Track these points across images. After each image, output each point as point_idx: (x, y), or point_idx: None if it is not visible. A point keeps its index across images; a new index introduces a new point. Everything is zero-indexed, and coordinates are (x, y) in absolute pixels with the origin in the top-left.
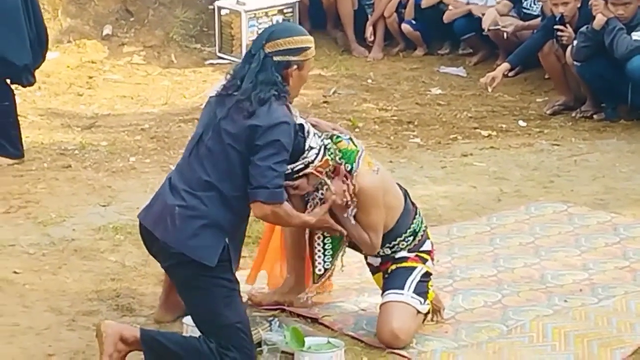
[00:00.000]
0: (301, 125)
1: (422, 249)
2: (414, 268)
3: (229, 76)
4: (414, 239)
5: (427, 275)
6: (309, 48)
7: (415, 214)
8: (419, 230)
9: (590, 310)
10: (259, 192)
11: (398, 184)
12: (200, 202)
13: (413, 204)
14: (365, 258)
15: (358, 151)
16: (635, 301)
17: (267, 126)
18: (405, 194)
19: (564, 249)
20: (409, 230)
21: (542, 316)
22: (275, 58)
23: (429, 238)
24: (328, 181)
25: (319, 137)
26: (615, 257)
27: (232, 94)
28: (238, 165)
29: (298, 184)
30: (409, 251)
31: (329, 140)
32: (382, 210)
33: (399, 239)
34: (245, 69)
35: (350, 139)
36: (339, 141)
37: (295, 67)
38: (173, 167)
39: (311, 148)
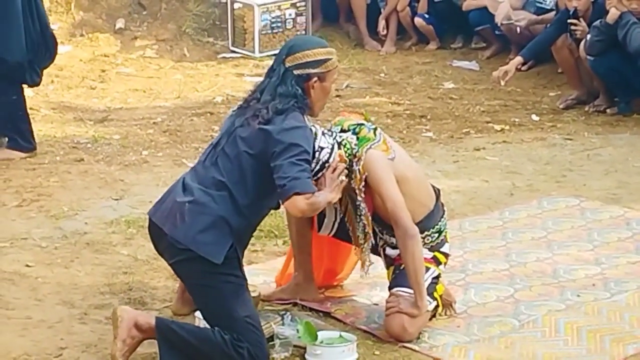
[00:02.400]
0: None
1: (441, 249)
2: (427, 269)
3: (250, 91)
4: (437, 237)
5: (437, 277)
6: (330, 59)
7: (443, 214)
8: (443, 230)
9: (603, 305)
10: (291, 184)
11: (432, 185)
12: (212, 199)
13: (442, 204)
14: (383, 250)
15: (374, 140)
16: None
17: (280, 131)
18: (438, 193)
19: (577, 244)
20: (435, 227)
21: (554, 311)
22: (296, 72)
23: (448, 242)
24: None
25: (330, 135)
26: (627, 252)
27: (251, 105)
28: (250, 171)
29: (319, 185)
30: (430, 249)
31: (347, 133)
32: (393, 183)
33: (425, 233)
34: (265, 83)
35: (375, 129)
36: (361, 129)
37: (315, 79)
38: (185, 161)
39: (322, 148)
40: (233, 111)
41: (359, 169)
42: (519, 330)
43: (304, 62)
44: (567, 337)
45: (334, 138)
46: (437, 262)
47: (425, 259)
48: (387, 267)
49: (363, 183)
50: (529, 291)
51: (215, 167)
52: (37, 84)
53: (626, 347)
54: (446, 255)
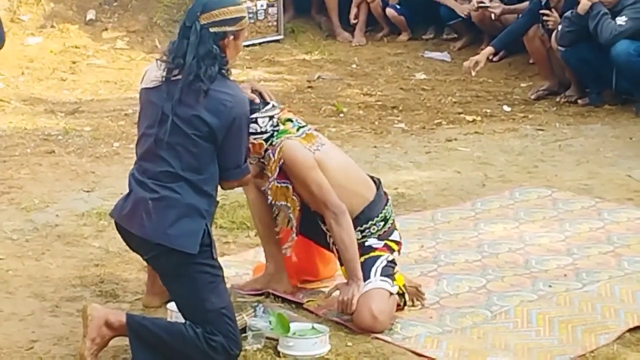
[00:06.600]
0: (266, 103)
1: (391, 237)
2: (380, 256)
3: (168, 56)
4: (384, 225)
5: (393, 261)
6: (244, 17)
7: (387, 202)
8: (389, 218)
9: (575, 295)
10: (231, 172)
11: (371, 175)
12: (173, 191)
13: (385, 193)
14: (336, 248)
15: (294, 134)
16: (619, 286)
17: (221, 111)
18: (378, 183)
19: (548, 234)
20: (380, 215)
21: (526, 301)
22: (212, 29)
23: (396, 229)
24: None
25: (274, 125)
26: (599, 242)
27: (177, 77)
28: (201, 151)
29: None
30: (379, 238)
31: (279, 125)
32: (315, 169)
33: (370, 222)
34: (185, 45)
35: (301, 126)
36: (286, 124)
37: (231, 37)
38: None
39: (257, 119)
40: (149, 88)
41: (273, 154)
42: (491, 321)
43: (221, 19)
44: (539, 327)
45: (275, 127)
46: (390, 250)
47: (377, 248)
48: (341, 265)
49: (277, 170)
50: (501, 282)
51: (160, 160)
52: None
53: (598, 338)
54: (397, 242)
